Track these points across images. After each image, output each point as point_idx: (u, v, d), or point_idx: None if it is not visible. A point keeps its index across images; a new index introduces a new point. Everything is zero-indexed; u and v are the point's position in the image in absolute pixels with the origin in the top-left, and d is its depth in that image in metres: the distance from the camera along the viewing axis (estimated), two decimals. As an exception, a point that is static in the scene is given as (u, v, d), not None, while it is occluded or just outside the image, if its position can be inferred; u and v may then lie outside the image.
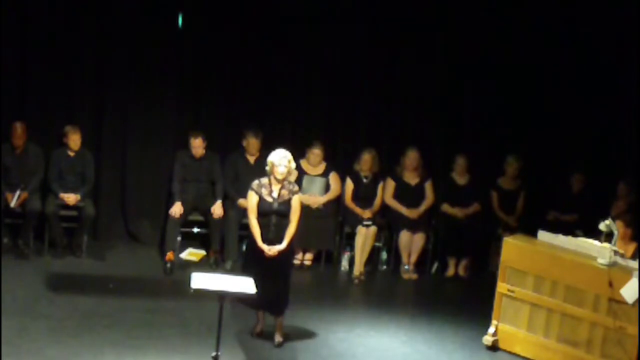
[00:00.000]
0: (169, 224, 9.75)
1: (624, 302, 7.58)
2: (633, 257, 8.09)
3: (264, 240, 7.76)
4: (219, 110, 10.44)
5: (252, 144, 10.00)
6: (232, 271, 9.10)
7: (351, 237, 10.12)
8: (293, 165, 7.86)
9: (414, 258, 10.19)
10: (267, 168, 7.81)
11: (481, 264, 10.30)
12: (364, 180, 10.26)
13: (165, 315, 8.36)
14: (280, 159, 7.72)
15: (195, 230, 10.13)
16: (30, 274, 9.06)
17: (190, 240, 10.14)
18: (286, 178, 7.84)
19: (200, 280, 6.81)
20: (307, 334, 8.25)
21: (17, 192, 9.49)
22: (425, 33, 10.56)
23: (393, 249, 10.30)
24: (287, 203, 7.81)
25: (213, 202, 9.83)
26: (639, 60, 10.09)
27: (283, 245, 7.76)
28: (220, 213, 9.77)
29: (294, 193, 7.85)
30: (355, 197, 10.23)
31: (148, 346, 7.68)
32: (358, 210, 10.12)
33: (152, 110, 10.24)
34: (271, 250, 7.72)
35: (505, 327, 8.24)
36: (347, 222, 10.23)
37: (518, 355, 8.16)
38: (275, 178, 7.76)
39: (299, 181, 9.86)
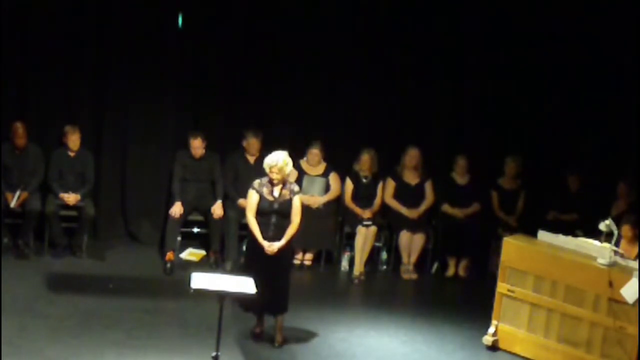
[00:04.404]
0: (169, 224, 9.75)
1: (624, 302, 7.58)
2: (636, 258, 8.08)
3: (263, 239, 7.76)
4: (219, 110, 10.43)
5: (252, 144, 10.00)
6: (232, 271, 9.10)
7: (351, 237, 10.12)
8: (288, 169, 7.84)
9: (414, 258, 10.19)
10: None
11: (481, 264, 10.29)
12: (364, 181, 10.26)
13: (165, 315, 8.36)
14: (271, 167, 7.73)
15: (195, 230, 10.14)
16: (30, 274, 9.06)
17: (190, 240, 10.15)
18: (286, 179, 7.85)
19: (200, 280, 6.81)
20: (307, 334, 8.25)
21: (17, 192, 9.49)
22: (425, 33, 10.56)
23: (393, 249, 10.30)
24: (288, 203, 7.82)
25: (213, 202, 9.83)
26: (639, 59, 10.09)
27: (282, 241, 7.76)
28: (220, 213, 9.78)
29: (295, 193, 7.86)
30: (355, 197, 10.23)
31: (148, 346, 7.68)
32: (358, 210, 10.12)
33: (152, 110, 10.24)
34: (271, 246, 7.72)
35: (505, 327, 8.24)
36: (347, 222, 10.23)
37: (518, 355, 8.17)
38: (272, 182, 7.79)
39: (299, 181, 9.86)
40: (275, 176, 7.75)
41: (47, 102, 10.04)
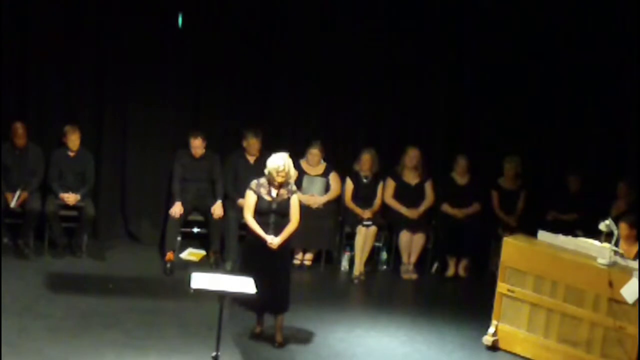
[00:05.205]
0: (169, 224, 9.75)
1: (624, 302, 7.58)
2: (635, 258, 8.08)
3: (263, 241, 7.76)
4: (219, 110, 10.43)
5: (252, 144, 9.99)
6: (232, 271, 9.09)
7: (351, 237, 10.12)
8: (293, 172, 7.87)
9: (414, 258, 10.19)
10: (265, 171, 7.82)
11: (481, 264, 10.30)
12: (364, 181, 10.26)
13: (165, 315, 8.36)
14: (278, 171, 7.71)
15: (195, 230, 10.14)
16: (30, 274, 9.06)
17: (190, 240, 10.15)
18: (286, 180, 7.85)
19: (200, 281, 6.81)
20: (307, 334, 8.25)
21: (17, 192, 9.49)
22: (425, 33, 10.56)
23: (393, 249, 10.30)
24: (286, 202, 7.82)
25: (213, 202, 9.83)
26: (638, 59, 10.09)
27: (280, 237, 7.74)
28: (220, 213, 9.78)
29: (292, 192, 7.87)
30: (355, 197, 10.23)
31: (148, 346, 7.67)
32: (358, 210, 10.12)
33: (152, 110, 10.24)
34: (274, 240, 7.71)
35: (505, 327, 8.24)
36: (347, 222, 10.23)
37: (518, 355, 8.16)
38: (273, 184, 7.79)
39: (299, 181, 9.85)
40: (280, 180, 7.75)
41: (47, 102, 10.04)
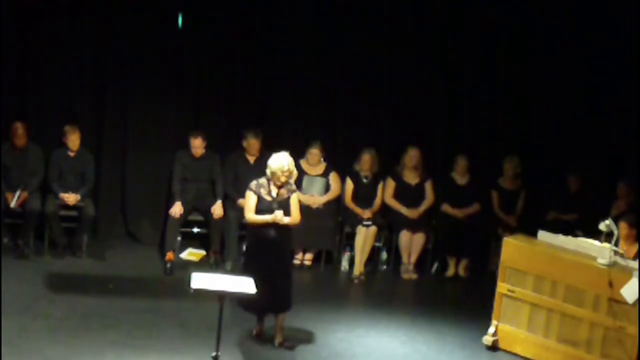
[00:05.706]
0: (169, 224, 9.75)
1: (624, 302, 7.58)
2: (634, 258, 8.08)
3: (264, 240, 7.75)
4: (219, 110, 10.44)
5: (252, 144, 9.99)
6: (232, 271, 9.09)
7: (351, 237, 10.12)
8: (295, 172, 7.89)
9: (414, 258, 10.19)
10: (268, 172, 7.81)
11: (481, 264, 10.30)
12: (364, 181, 10.26)
13: (165, 315, 8.36)
14: (283, 172, 7.70)
15: (195, 230, 10.14)
16: (30, 274, 9.06)
17: (190, 240, 10.15)
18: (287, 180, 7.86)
19: (200, 280, 6.81)
20: (307, 334, 8.25)
21: (17, 192, 9.49)
22: (425, 33, 10.57)
23: (393, 249, 10.30)
24: (286, 202, 7.83)
25: (213, 202, 9.84)
26: (638, 60, 10.09)
27: (288, 219, 7.73)
28: (220, 213, 9.78)
29: (292, 192, 7.88)
30: (355, 197, 10.23)
31: (148, 346, 7.68)
32: (358, 210, 10.12)
33: (152, 110, 10.24)
34: (278, 214, 7.68)
35: (505, 327, 8.24)
36: (347, 222, 10.23)
37: (518, 355, 8.16)
38: (275, 183, 7.79)
39: (299, 181, 9.85)
40: (284, 179, 7.76)
41: (47, 102, 10.05)
